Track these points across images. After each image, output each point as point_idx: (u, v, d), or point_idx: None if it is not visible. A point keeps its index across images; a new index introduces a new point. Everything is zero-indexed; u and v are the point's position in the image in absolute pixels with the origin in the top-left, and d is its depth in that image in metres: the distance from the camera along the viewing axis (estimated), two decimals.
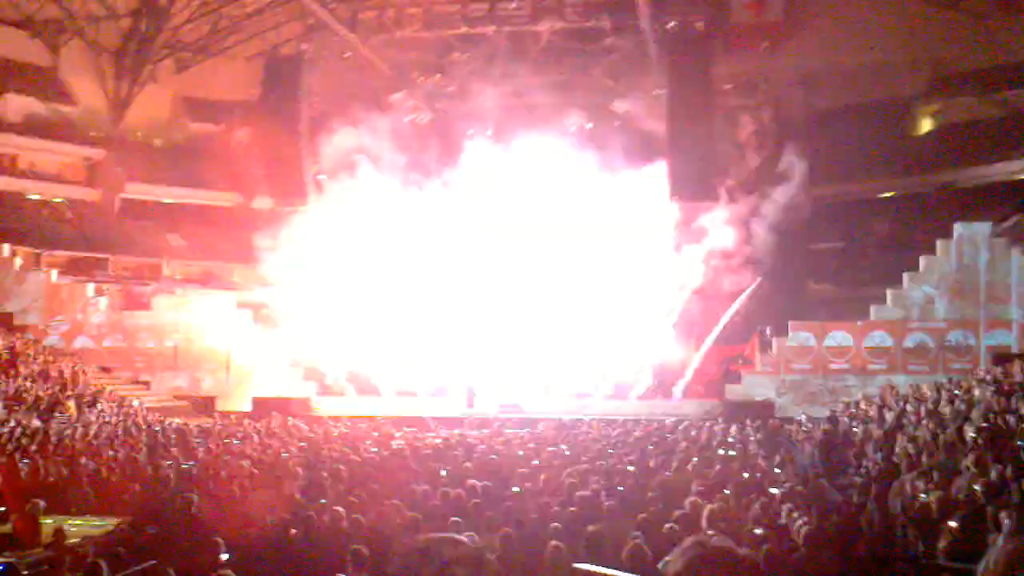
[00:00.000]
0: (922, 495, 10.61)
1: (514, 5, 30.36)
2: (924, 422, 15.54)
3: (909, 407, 18.03)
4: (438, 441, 18.97)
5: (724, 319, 30.28)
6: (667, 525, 9.27)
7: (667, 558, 7.56)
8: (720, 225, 30.02)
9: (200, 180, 42.02)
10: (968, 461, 11.79)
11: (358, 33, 31.19)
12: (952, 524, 9.09)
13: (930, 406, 17.42)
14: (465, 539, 8.49)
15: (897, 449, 13.74)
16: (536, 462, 14.68)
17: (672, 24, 29.31)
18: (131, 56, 42.31)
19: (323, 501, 11.39)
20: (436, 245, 32.68)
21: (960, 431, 13.82)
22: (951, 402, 17.43)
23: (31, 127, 40.59)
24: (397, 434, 20.76)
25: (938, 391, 19.71)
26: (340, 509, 10.30)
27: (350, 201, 32.49)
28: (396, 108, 34.41)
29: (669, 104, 29.93)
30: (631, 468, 13.72)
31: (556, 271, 31.50)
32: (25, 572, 9.02)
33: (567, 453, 15.87)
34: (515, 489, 11.99)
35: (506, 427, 22.87)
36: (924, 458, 12.56)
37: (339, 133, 32.11)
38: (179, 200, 43.18)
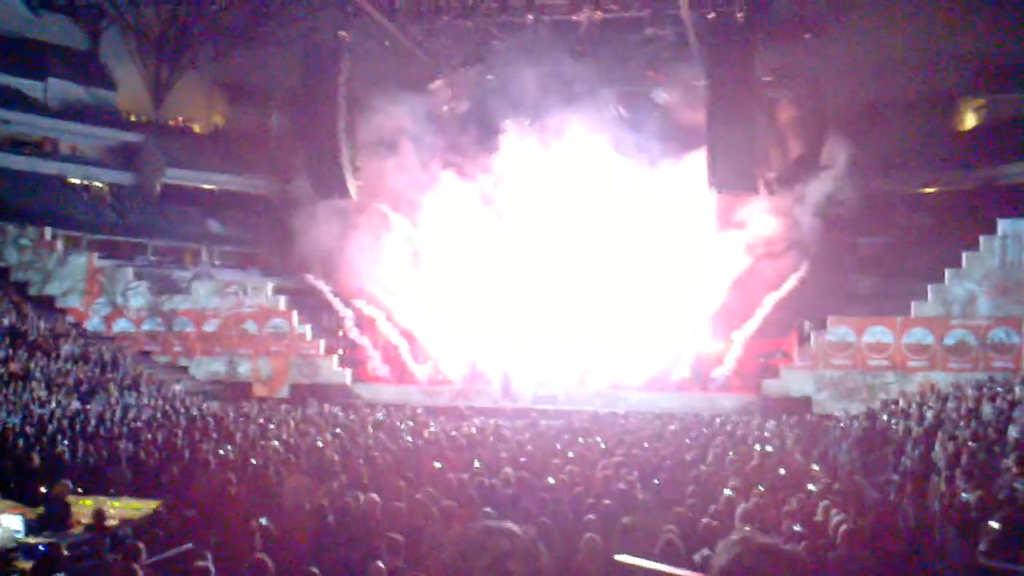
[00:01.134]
0: (962, 494, 10.49)
1: None
2: (964, 421, 15.35)
3: (950, 405, 17.82)
4: (473, 431, 19.00)
5: (763, 311, 30.01)
6: (702, 520, 9.24)
7: (707, 552, 7.54)
8: (759, 217, 29.85)
9: (239, 166, 42.22)
10: (1009, 461, 11.65)
11: (396, 21, 31.16)
12: (993, 524, 8.97)
13: (971, 404, 17.20)
14: (518, 529, 8.44)
15: (936, 448, 13.59)
16: (571, 454, 14.66)
17: (712, 14, 28.99)
18: (171, 41, 42.57)
19: (358, 490, 11.42)
20: (473, 232, 32.73)
21: (1001, 430, 13.64)
22: (992, 401, 17.20)
23: (72, 111, 40.98)
24: (432, 422, 20.81)
25: (979, 389, 19.47)
26: (375, 496, 10.33)
27: (388, 186, 32.69)
28: (434, 96, 34.41)
29: (709, 95, 29.65)
30: (667, 462, 13.67)
31: (593, 261, 31.44)
32: (66, 552, 9.12)
33: (602, 445, 15.83)
34: (550, 480, 11.97)
35: (541, 418, 22.89)
36: (964, 457, 12.41)
37: (377, 120, 32.24)
38: (218, 186, 43.44)
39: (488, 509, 9.82)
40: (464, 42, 33.49)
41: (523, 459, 14.15)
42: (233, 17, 41.76)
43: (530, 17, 30.40)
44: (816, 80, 33.83)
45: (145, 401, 24.26)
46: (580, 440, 16.76)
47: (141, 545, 8.63)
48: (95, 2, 41.08)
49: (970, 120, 37.84)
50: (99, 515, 10.43)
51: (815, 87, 33.89)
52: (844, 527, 8.83)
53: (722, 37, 29.04)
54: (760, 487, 11.47)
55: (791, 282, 29.67)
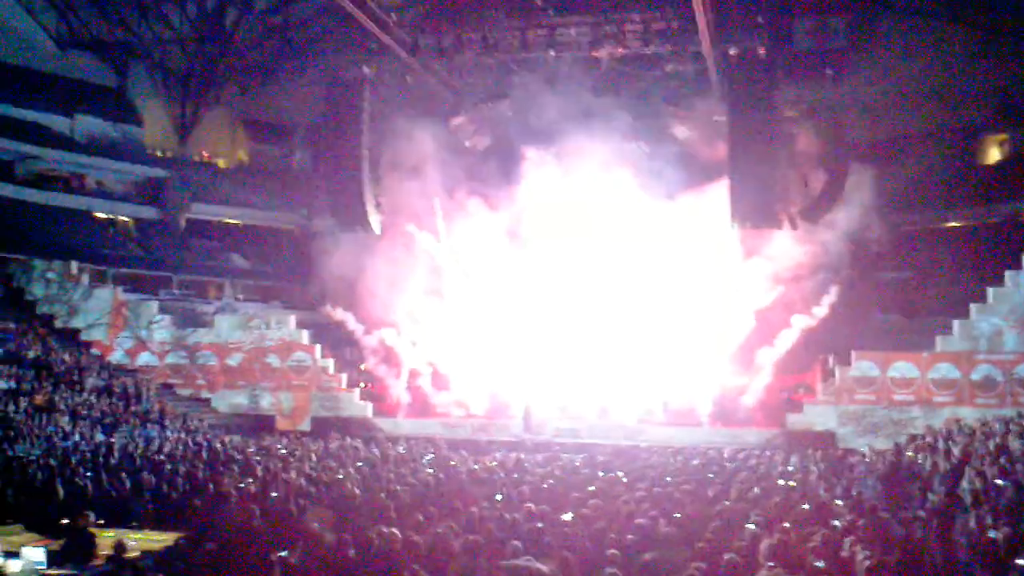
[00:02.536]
0: (990, 532, 10.35)
1: (574, 31, 30.39)
2: (992, 457, 15.17)
3: (977, 441, 17.63)
4: (494, 464, 18.92)
5: (791, 334, 29.82)
6: (726, 555, 9.14)
7: None
8: (782, 251, 29.81)
9: (263, 200, 42.60)
10: None
11: (418, 57, 31.42)
12: (1021, 562, 8.84)
13: (998, 440, 17.00)
14: (545, 569, 8.43)
15: (964, 484, 13.43)
16: (592, 488, 14.57)
17: (734, 51, 29.09)
18: (196, 78, 43.17)
19: (380, 524, 11.37)
20: (496, 262, 32.85)
21: None
22: (1020, 436, 17.00)
23: (99, 147, 41.47)
24: (453, 456, 20.75)
25: (1007, 425, 19.25)
26: (396, 531, 10.29)
27: (411, 218, 32.92)
28: (456, 131, 34.63)
29: (730, 130, 29.69)
30: (690, 497, 13.55)
31: (615, 295, 31.43)
32: None
33: (624, 480, 15.73)
34: (568, 516, 11.89)
35: (563, 452, 22.78)
36: (992, 494, 12.26)
37: (400, 152, 32.46)
38: (242, 220, 43.82)
39: (515, 542, 9.75)
40: (486, 78, 33.74)
41: (544, 493, 14.07)
42: (257, 55, 42.38)
43: (551, 53, 30.59)
44: (838, 115, 33.82)
45: (168, 434, 24.35)
46: (602, 474, 16.65)
47: None
48: (123, 40, 41.73)
49: (993, 155, 37.75)
50: (120, 547, 10.42)
51: (837, 122, 33.87)
52: (869, 563, 8.72)
53: (744, 73, 29.13)
54: (784, 523, 11.37)
55: (821, 308, 29.48)
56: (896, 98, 35.44)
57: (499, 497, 13.75)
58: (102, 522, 12.21)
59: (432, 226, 33.66)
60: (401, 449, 22.56)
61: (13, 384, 25.87)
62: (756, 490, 14.25)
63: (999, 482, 12.89)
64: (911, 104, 35.36)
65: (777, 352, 29.90)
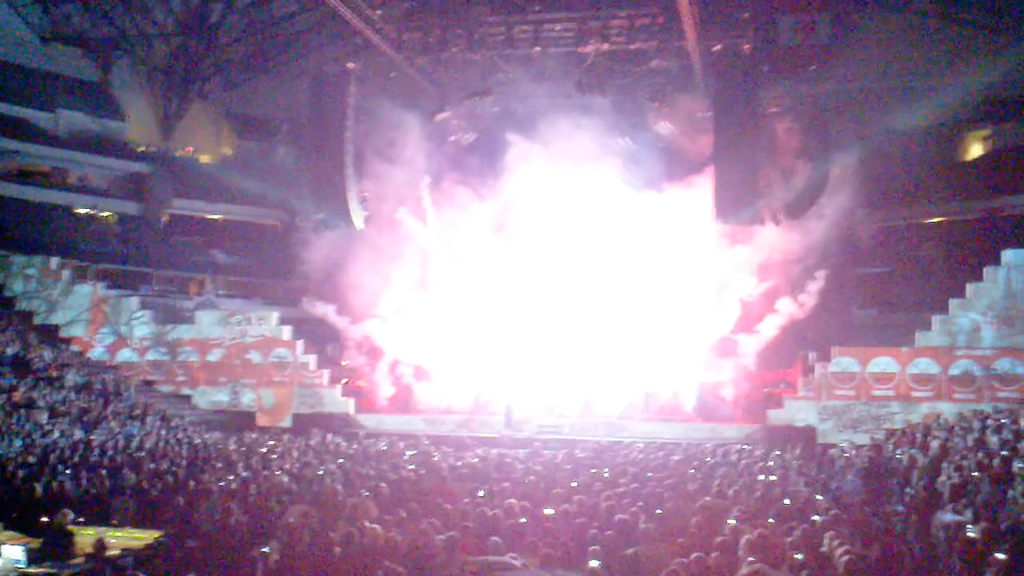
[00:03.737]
0: (968, 526, 10.43)
1: (560, 27, 30.39)
2: (970, 451, 15.28)
3: (955, 435, 17.74)
4: (475, 460, 18.92)
5: (769, 332, 29.96)
6: (707, 551, 9.19)
7: None
8: (764, 245, 29.95)
9: (246, 196, 42.43)
10: (1016, 492, 11.59)
11: (403, 53, 31.34)
12: (999, 556, 8.89)
13: (976, 435, 17.12)
14: (518, 564, 8.46)
15: (942, 478, 13.52)
16: (574, 484, 14.61)
17: (719, 47, 29.15)
18: (180, 73, 42.97)
19: (361, 520, 11.37)
20: (479, 257, 32.89)
21: (1007, 461, 13.56)
22: (998, 431, 17.12)
23: (81, 142, 41.25)
24: (435, 452, 20.74)
25: (984, 420, 19.38)
26: (377, 527, 10.30)
27: (394, 216, 32.96)
28: (441, 127, 34.56)
29: (714, 127, 29.79)
30: (671, 493, 13.60)
31: (598, 291, 31.49)
32: None
33: (606, 475, 15.76)
34: (547, 511, 11.93)
35: (545, 448, 22.81)
36: (970, 488, 12.35)
37: (385, 147, 32.45)
38: (225, 216, 43.68)
39: (495, 538, 9.77)
40: (471, 74, 33.67)
41: (526, 489, 14.09)
42: (242, 50, 42.22)
43: (537, 49, 30.57)
44: (821, 111, 33.95)
45: (148, 431, 24.22)
46: (588, 470, 16.68)
47: (142, 575, 8.62)
48: (106, 35, 41.50)
49: (975, 150, 37.92)
50: (100, 545, 10.39)
51: (820, 118, 34.02)
52: (849, 558, 8.77)
53: (728, 69, 29.20)
54: (765, 518, 11.43)
55: (807, 296, 29.65)
56: (879, 94, 35.60)
57: (481, 493, 13.76)
58: (82, 520, 12.16)
59: (418, 213, 33.71)
60: (383, 445, 22.54)
61: None
62: (737, 485, 14.31)
63: (977, 476, 12.98)
64: (894, 100, 35.48)
65: (759, 340, 30.04)
